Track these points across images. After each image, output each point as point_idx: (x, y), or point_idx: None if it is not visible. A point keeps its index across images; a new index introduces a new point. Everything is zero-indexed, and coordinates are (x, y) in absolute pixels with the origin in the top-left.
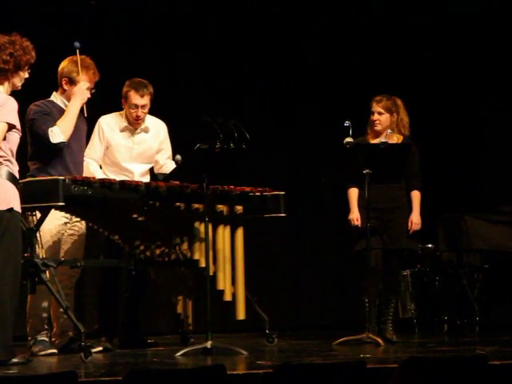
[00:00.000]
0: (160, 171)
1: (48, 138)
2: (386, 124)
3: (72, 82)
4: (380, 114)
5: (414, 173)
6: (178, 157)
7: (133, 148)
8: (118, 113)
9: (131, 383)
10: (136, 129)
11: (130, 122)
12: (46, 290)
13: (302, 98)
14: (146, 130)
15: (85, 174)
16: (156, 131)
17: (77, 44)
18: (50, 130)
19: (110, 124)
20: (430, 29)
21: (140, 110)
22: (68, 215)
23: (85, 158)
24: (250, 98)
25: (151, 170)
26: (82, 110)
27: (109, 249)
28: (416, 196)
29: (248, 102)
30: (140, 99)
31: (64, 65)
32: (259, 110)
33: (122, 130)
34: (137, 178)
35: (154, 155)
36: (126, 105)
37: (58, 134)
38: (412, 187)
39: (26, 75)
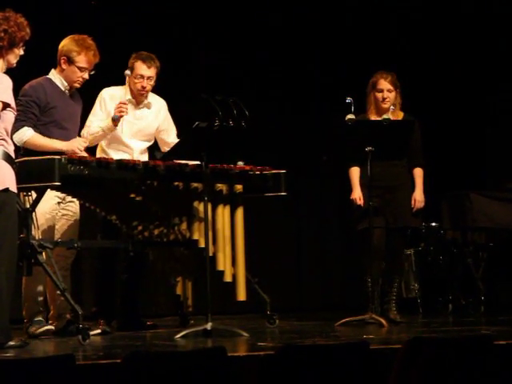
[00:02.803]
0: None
1: (16, 131)
2: (394, 101)
3: (71, 61)
4: (390, 91)
5: (417, 150)
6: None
7: (134, 123)
8: (121, 86)
9: (130, 366)
10: (139, 103)
11: (133, 96)
12: (41, 272)
13: (301, 74)
14: (148, 106)
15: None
16: (157, 109)
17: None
18: (25, 128)
19: (112, 96)
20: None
21: (146, 80)
22: (61, 195)
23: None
24: (249, 75)
25: (149, 149)
26: (79, 90)
27: (106, 230)
28: (419, 173)
29: (247, 78)
30: (146, 70)
31: (64, 43)
32: (258, 87)
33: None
34: (136, 155)
35: (153, 133)
36: (131, 76)
37: (25, 137)
38: (414, 164)
39: (21, 52)
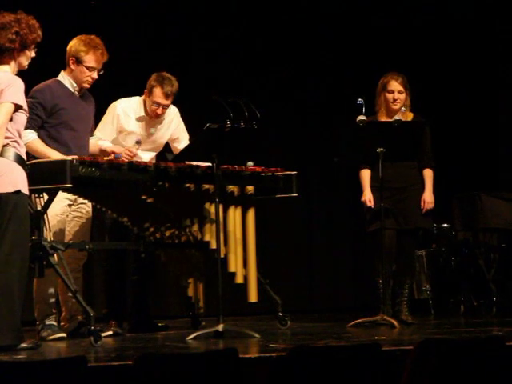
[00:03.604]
0: None
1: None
2: (404, 102)
3: (79, 61)
4: (400, 92)
5: (426, 151)
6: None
7: (144, 136)
8: (136, 99)
9: (142, 368)
10: (151, 118)
11: (146, 112)
12: (52, 274)
13: (313, 76)
14: (160, 122)
15: (91, 149)
16: (169, 120)
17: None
18: (28, 131)
19: (126, 110)
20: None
21: (161, 108)
22: (71, 197)
23: (93, 137)
24: (261, 77)
25: (156, 156)
26: (88, 90)
27: (114, 231)
28: (429, 174)
29: (259, 80)
30: (164, 100)
31: (72, 43)
32: (270, 89)
33: (138, 120)
34: None
35: (163, 144)
36: (148, 97)
37: (25, 140)
38: (424, 165)
39: (33, 54)
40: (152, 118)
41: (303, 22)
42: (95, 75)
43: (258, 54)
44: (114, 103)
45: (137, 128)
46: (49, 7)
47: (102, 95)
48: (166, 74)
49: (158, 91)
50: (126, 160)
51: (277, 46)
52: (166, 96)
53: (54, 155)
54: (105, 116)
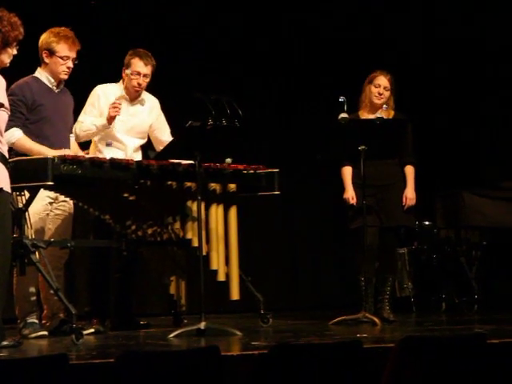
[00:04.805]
0: None
1: (5, 131)
2: (387, 100)
3: (52, 52)
4: (386, 89)
5: (407, 148)
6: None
7: (127, 119)
8: (115, 83)
9: (124, 365)
10: (132, 99)
11: (127, 92)
12: (32, 272)
13: (295, 73)
14: (141, 103)
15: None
16: (151, 106)
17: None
18: (14, 129)
19: (106, 93)
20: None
21: (142, 78)
22: (52, 195)
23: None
24: (243, 74)
25: (142, 147)
26: (65, 83)
27: (98, 229)
28: (410, 171)
29: (241, 78)
30: (143, 67)
31: (43, 37)
32: (252, 87)
33: (118, 99)
34: (130, 152)
35: (146, 131)
36: (127, 70)
37: (13, 139)
38: (406, 162)
39: (15, 52)
40: (133, 94)
41: (289, 22)
42: (70, 64)
43: (241, 52)
44: (94, 88)
45: None
46: (49, 7)
47: None
48: (142, 49)
49: (136, 61)
50: (115, 113)
51: (259, 44)
52: (145, 64)
53: (44, 151)
54: (86, 102)
